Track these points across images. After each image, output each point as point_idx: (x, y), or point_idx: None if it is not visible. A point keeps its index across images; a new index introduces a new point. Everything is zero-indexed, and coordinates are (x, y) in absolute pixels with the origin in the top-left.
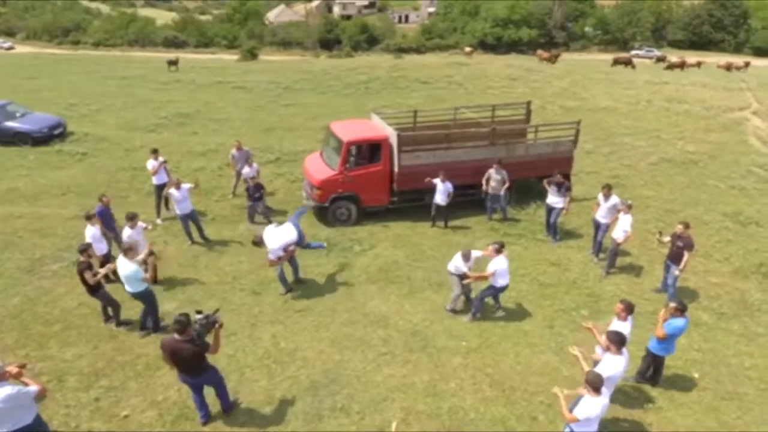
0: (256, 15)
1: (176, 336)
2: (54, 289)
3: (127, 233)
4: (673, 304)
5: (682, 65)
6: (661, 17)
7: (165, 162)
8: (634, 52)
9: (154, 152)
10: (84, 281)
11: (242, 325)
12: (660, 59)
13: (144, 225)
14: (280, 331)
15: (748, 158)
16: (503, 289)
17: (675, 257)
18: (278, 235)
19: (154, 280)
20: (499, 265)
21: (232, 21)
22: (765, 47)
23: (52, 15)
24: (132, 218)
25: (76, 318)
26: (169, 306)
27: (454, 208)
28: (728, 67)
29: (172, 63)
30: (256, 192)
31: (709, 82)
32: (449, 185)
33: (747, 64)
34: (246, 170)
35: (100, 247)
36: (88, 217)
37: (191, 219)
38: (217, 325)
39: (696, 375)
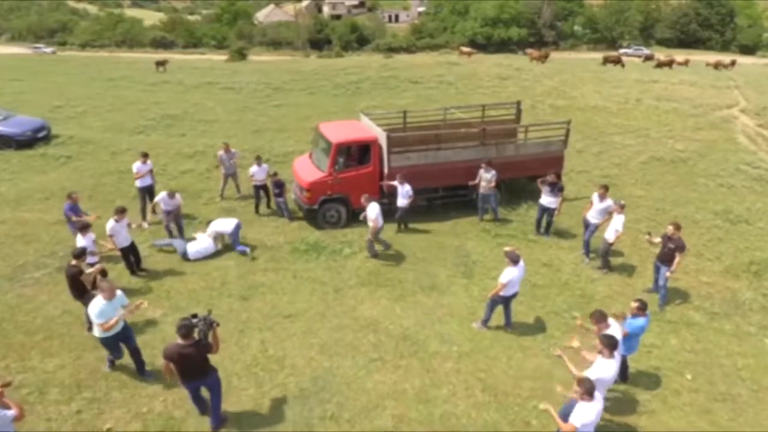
0: (245, 15)
1: (180, 341)
2: (36, 296)
3: (110, 225)
4: (634, 304)
5: (670, 63)
6: (650, 16)
7: (152, 170)
8: (622, 51)
9: (144, 156)
10: (73, 285)
11: (230, 331)
12: (648, 58)
13: (129, 221)
14: (268, 337)
15: (737, 156)
16: (512, 297)
17: (666, 258)
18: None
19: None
20: (510, 275)
21: (221, 21)
22: (751, 45)
23: (37, 16)
24: (121, 212)
25: (59, 327)
26: (154, 313)
27: (446, 209)
28: (716, 66)
29: (160, 64)
30: (276, 188)
31: (697, 81)
32: (408, 187)
33: (733, 63)
34: (254, 168)
35: (90, 259)
36: (82, 228)
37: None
38: (214, 325)
39: (689, 376)
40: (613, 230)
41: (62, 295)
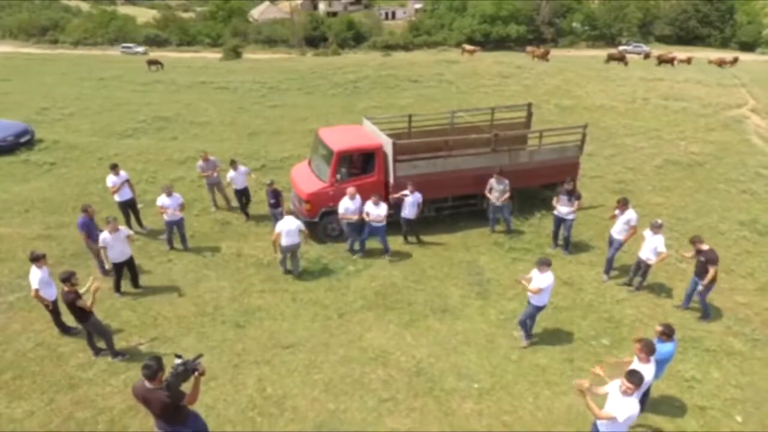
0: (240, 12)
1: (146, 383)
2: (8, 325)
3: (102, 236)
4: (659, 328)
5: (672, 60)
6: (649, 12)
7: (128, 180)
8: (621, 48)
9: (114, 168)
10: (74, 311)
11: (224, 366)
12: (647, 55)
13: (127, 232)
14: (266, 373)
15: (755, 159)
16: (543, 308)
17: (699, 272)
18: None
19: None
20: (547, 280)
21: (216, 18)
22: (750, 42)
23: (28, 13)
24: (110, 222)
25: (31, 363)
26: (139, 346)
27: (454, 219)
28: (720, 64)
29: (152, 63)
30: (272, 198)
31: (703, 79)
32: (418, 196)
33: (736, 60)
34: (231, 174)
35: (49, 293)
36: (35, 259)
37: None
38: (197, 374)
39: (738, 419)
40: (652, 251)
41: (37, 323)
